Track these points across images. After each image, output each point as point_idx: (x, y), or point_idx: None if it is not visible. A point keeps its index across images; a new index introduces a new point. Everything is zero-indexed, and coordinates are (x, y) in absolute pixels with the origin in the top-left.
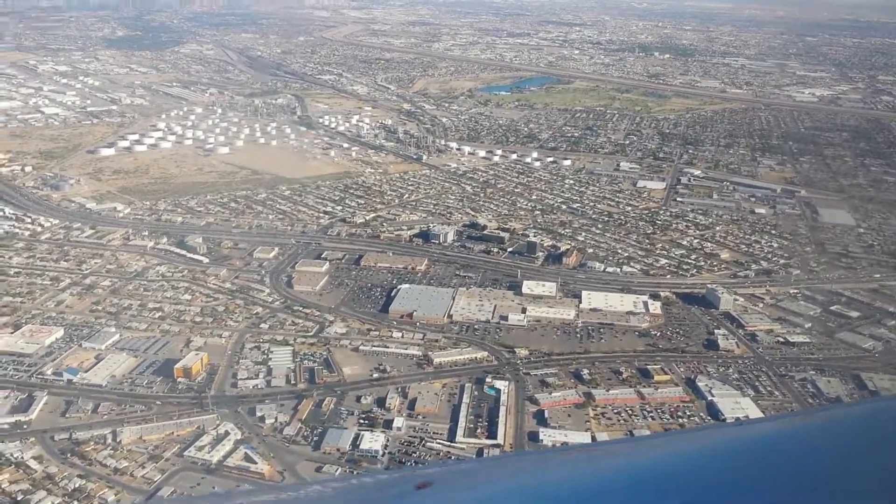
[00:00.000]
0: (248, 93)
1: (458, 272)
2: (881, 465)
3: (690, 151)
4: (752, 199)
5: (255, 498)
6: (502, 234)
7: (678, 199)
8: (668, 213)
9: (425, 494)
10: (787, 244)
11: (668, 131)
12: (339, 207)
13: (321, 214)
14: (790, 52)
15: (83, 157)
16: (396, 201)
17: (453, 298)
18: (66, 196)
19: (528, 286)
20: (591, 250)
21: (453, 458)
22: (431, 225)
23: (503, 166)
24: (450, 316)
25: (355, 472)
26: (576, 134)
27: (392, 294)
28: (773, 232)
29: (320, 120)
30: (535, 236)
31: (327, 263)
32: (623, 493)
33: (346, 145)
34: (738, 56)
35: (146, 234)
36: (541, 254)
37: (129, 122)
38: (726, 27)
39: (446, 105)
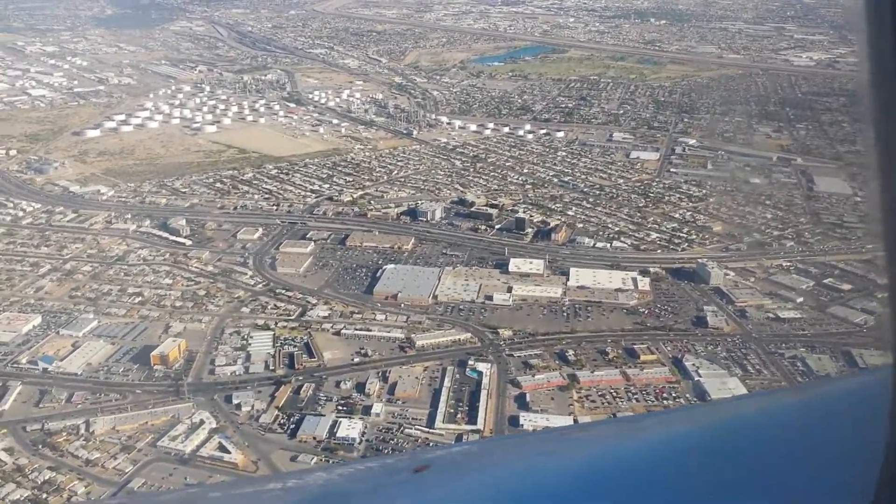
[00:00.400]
0: (237, 69)
1: (444, 251)
2: (865, 438)
3: (686, 120)
4: (747, 169)
5: (261, 486)
6: (490, 210)
7: (672, 169)
8: (661, 185)
9: (423, 477)
10: (780, 215)
11: (662, 99)
12: (327, 186)
13: (308, 193)
14: (788, 14)
15: (69, 139)
16: (385, 178)
17: (439, 278)
18: (50, 179)
19: (516, 264)
20: (581, 225)
21: (431, 444)
22: (419, 202)
23: (495, 140)
24: (435, 296)
25: (331, 461)
26: (569, 104)
27: (377, 275)
28: (767, 202)
29: (310, 95)
30: (524, 212)
31: (312, 244)
32: (630, 473)
33: (335, 121)
34: (735, 20)
35: (129, 216)
36: (529, 230)
37: (116, 102)
38: None
39: (438, 77)
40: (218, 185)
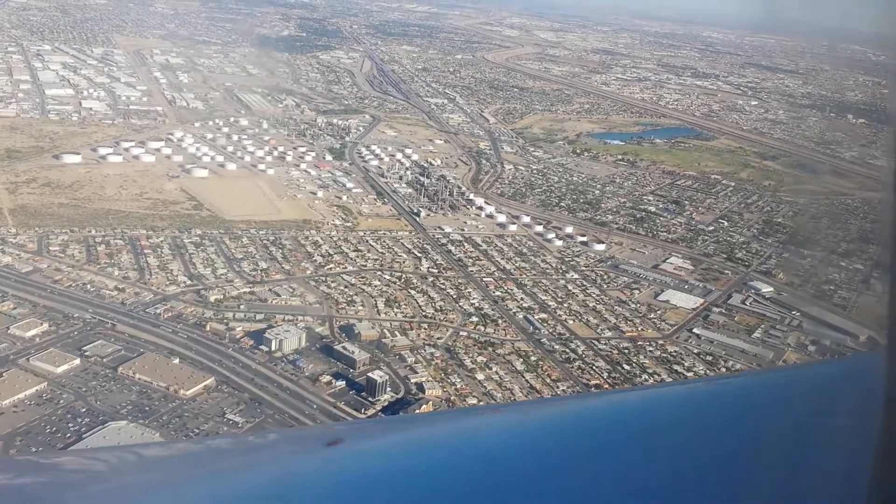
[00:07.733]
0: (325, 108)
1: (228, 410)
2: (857, 424)
3: (786, 255)
4: (808, 349)
5: (164, 453)
6: (357, 355)
7: (696, 330)
8: (658, 354)
9: (336, 451)
10: None
11: (779, 220)
12: (224, 271)
13: (184, 279)
14: None
15: (43, 161)
16: (309, 271)
17: None
18: None
19: None
20: (473, 401)
21: None
22: (297, 319)
23: (511, 239)
24: None
25: None
26: (651, 208)
27: (89, 434)
28: None
29: (362, 150)
30: (414, 364)
31: (76, 362)
32: (542, 452)
33: (350, 185)
34: None
35: None
36: (386, 396)
37: (152, 126)
38: None
39: (532, 149)
40: (101, 247)
